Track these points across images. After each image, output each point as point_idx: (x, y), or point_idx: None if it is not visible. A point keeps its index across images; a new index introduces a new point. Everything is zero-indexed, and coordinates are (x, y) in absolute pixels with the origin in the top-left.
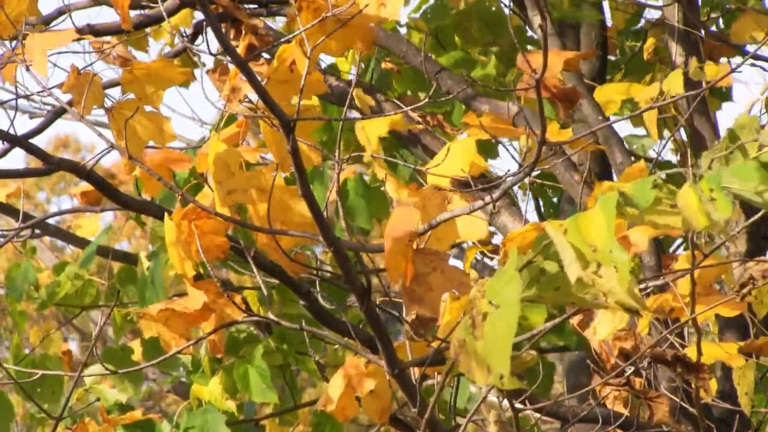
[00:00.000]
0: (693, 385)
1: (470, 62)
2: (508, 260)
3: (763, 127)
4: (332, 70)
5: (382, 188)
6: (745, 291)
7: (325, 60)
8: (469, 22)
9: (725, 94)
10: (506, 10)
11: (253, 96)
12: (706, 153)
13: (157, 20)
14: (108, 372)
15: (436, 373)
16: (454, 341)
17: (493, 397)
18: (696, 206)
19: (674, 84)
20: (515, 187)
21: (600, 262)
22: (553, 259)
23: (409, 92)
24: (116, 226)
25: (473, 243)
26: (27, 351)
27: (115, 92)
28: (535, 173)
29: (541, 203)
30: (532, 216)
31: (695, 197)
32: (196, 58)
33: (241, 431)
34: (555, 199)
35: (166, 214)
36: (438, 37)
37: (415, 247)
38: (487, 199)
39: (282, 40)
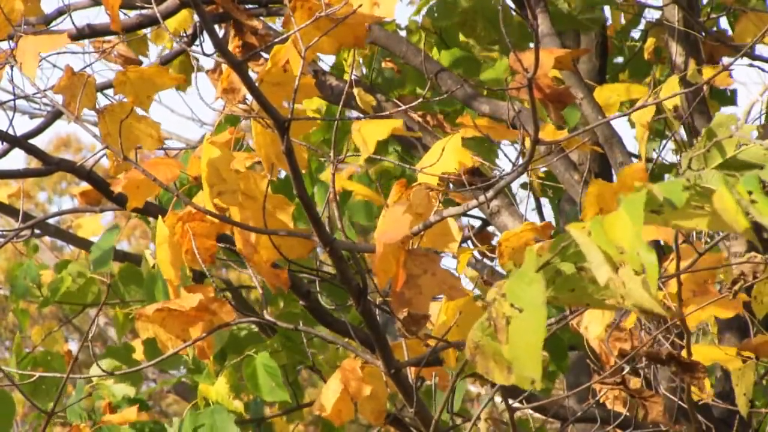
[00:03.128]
0: (686, 384)
1: (474, 61)
2: (526, 262)
3: (739, 127)
4: (335, 70)
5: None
6: (736, 288)
7: (327, 61)
8: (475, 20)
9: (729, 98)
10: (506, 10)
11: (250, 97)
12: (686, 153)
13: (156, 21)
14: (105, 373)
15: (434, 374)
16: (469, 343)
17: (498, 398)
18: (734, 210)
19: (671, 90)
20: (518, 188)
21: (623, 264)
22: (570, 261)
23: (416, 92)
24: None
25: (471, 244)
26: (28, 350)
27: (111, 93)
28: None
29: (544, 203)
30: (533, 216)
31: (732, 201)
32: (193, 60)
33: (249, 430)
34: (557, 201)
35: (160, 216)
36: (442, 36)
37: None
38: (482, 198)
39: (276, 40)
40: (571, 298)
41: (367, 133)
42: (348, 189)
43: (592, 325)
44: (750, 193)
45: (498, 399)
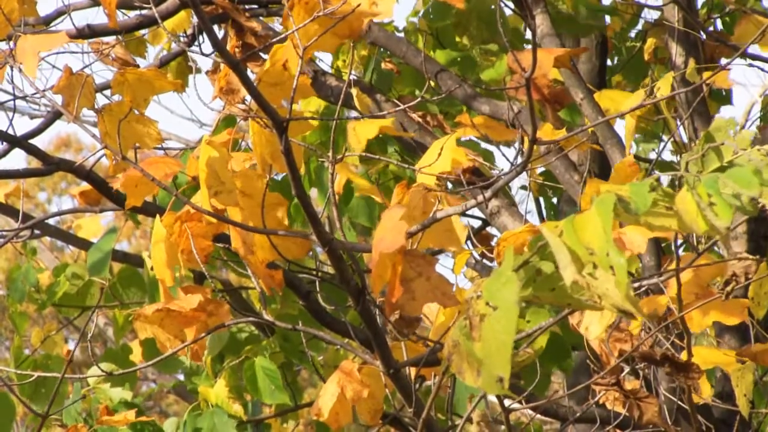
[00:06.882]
0: (679, 385)
1: (470, 60)
2: (504, 261)
3: (738, 131)
4: (334, 72)
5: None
6: (728, 289)
7: (326, 61)
8: (469, 20)
9: (725, 98)
10: (503, 10)
11: (249, 97)
12: (685, 155)
13: (155, 21)
14: (104, 374)
15: (433, 374)
16: (449, 341)
17: (492, 397)
18: (694, 211)
19: (665, 88)
20: (518, 189)
21: (596, 265)
22: (549, 260)
23: (416, 92)
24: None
25: (470, 245)
26: (27, 352)
27: (109, 94)
28: (539, 172)
29: (542, 203)
30: (533, 216)
31: (693, 202)
32: (192, 61)
33: (247, 431)
34: (554, 200)
35: (157, 215)
36: (438, 37)
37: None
38: (480, 198)
39: (274, 39)
40: (551, 298)
41: (360, 132)
42: (350, 186)
43: (593, 325)
44: (710, 195)
45: (492, 398)
